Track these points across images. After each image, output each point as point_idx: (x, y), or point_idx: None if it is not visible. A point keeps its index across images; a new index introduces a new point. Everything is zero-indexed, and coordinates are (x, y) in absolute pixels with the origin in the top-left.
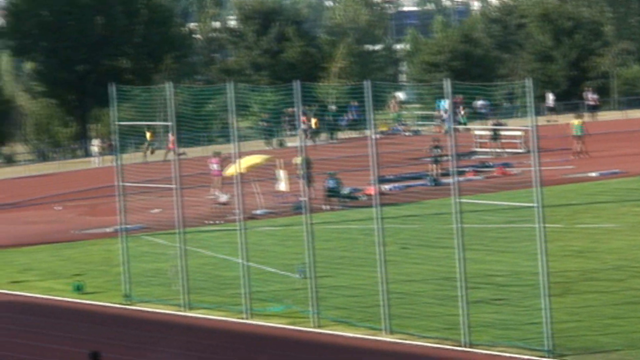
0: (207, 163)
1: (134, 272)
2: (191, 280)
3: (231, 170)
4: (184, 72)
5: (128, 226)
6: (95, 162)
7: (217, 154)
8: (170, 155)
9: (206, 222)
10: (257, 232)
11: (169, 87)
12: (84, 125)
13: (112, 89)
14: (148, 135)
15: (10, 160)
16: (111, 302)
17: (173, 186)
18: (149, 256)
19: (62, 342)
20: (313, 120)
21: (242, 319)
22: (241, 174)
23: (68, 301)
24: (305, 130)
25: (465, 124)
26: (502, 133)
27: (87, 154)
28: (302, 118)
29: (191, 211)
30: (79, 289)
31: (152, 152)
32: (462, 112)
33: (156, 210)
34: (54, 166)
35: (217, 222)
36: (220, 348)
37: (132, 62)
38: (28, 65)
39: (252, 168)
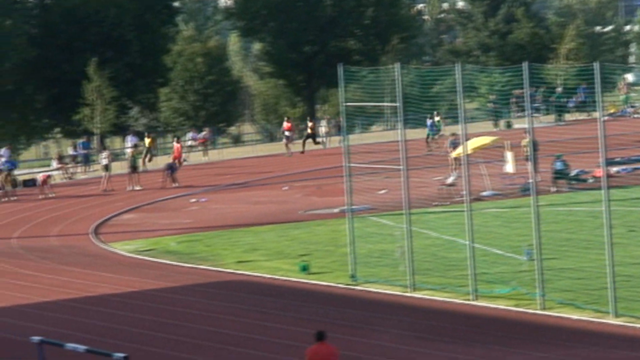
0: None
1: (360, 253)
2: (417, 261)
3: (458, 151)
4: (412, 53)
5: (354, 207)
6: (322, 142)
7: (453, 135)
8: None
9: (433, 203)
10: (483, 214)
11: (397, 68)
12: (312, 106)
13: (340, 70)
14: (147, 141)
15: (238, 141)
16: (337, 283)
17: (400, 167)
18: (375, 237)
19: (288, 321)
20: (309, 124)
21: (468, 300)
22: (468, 155)
23: (294, 281)
24: (289, 137)
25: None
26: None
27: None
28: (287, 125)
29: (417, 192)
30: (305, 269)
31: (149, 160)
32: (438, 118)
33: (382, 191)
34: (281, 146)
35: (443, 203)
36: (444, 329)
37: (360, 43)
38: (256, 46)
39: (480, 149)
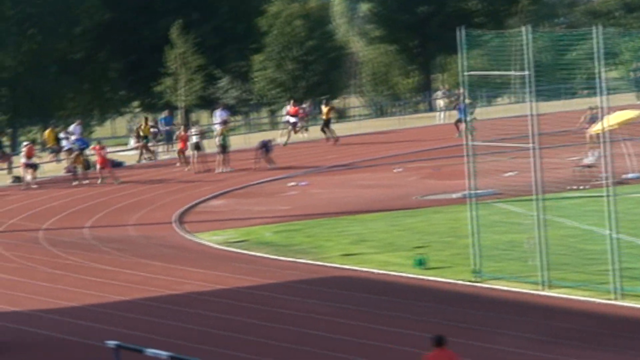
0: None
1: (484, 245)
2: (551, 254)
3: (598, 127)
4: (543, 15)
5: (477, 191)
6: (439, 117)
7: (591, 109)
8: (189, 153)
9: (568, 187)
10: (628, 199)
11: (526, 32)
12: (427, 75)
13: (461, 34)
14: (143, 128)
15: (342, 115)
16: (457, 279)
17: (530, 146)
18: (502, 226)
19: (401, 324)
20: (324, 109)
21: (610, 300)
22: (610, 132)
23: (408, 277)
24: (294, 124)
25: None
26: None
27: (431, 108)
28: (292, 108)
29: (551, 174)
30: (420, 263)
31: (147, 152)
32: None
33: (510, 174)
34: (392, 122)
35: (580, 187)
36: (582, 333)
37: (482, 3)
38: (363, 7)
39: (623, 125)
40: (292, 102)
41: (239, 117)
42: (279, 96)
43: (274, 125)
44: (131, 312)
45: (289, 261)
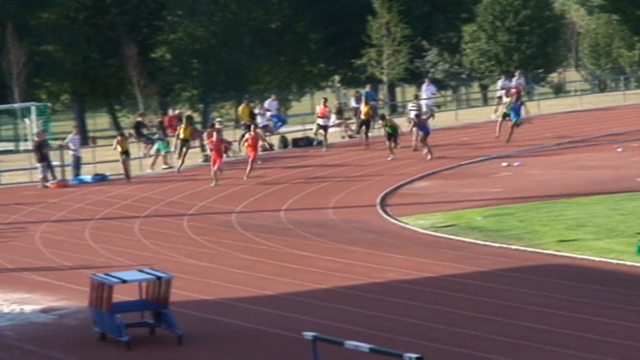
0: None
1: None
2: None
3: None
4: None
5: None
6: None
7: None
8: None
9: None
10: None
11: None
12: None
13: None
14: (181, 131)
15: (560, 90)
16: None
17: None
18: None
19: (624, 316)
20: (363, 109)
21: None
22: None
23: (630, 265)
24: (323, 126)
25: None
26: None
27: None
28: (322, 109)
29: None
30: None
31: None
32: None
33: None
34: (615, 98)
35: None
36: None
37: None
38: None
39: None
40: (322, 101)
41: (448, 92)
42: (491, 70)
43: (485, 100)
44: (329, 302)
45: (500, 247)
